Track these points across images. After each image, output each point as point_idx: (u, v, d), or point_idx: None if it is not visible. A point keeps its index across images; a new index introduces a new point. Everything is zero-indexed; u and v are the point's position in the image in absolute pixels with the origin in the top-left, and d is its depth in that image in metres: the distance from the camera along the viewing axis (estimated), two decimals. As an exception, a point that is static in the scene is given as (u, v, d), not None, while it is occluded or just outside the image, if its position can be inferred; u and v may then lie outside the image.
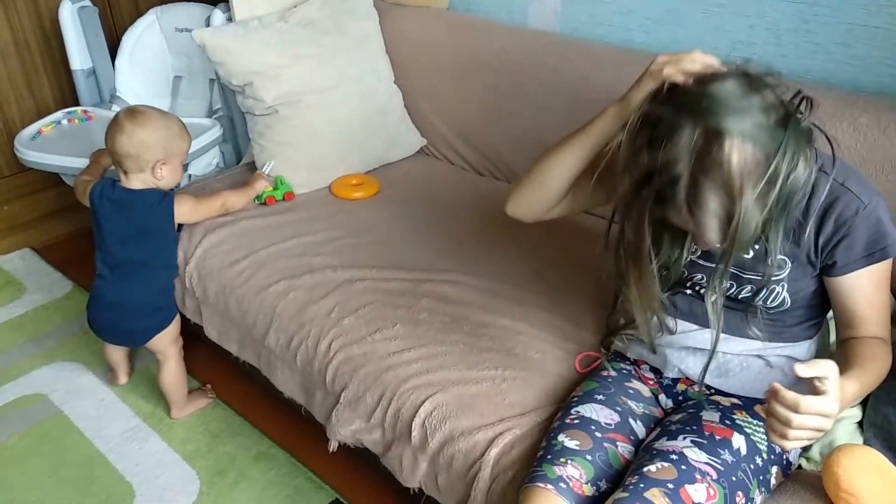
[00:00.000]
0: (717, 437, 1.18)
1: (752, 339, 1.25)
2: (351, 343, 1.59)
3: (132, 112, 1.76)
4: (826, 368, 0.97)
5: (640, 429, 1.28)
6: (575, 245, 1.84)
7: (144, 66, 2.53)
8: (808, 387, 0.98)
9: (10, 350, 2.28)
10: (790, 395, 0.96)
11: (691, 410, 1.27)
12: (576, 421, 1.26)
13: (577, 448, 1.20)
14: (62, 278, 2.62)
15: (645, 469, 1.13)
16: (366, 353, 1.56)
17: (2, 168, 2.71)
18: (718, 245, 1.09)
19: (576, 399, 1.33)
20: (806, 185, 1.10)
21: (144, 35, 2.51)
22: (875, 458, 1.11)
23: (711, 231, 1.03)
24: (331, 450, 1.61)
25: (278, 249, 1.88)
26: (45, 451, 1.94)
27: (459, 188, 2.16)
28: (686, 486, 1.10)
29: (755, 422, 1.22)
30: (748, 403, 1.26)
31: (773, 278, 1.18)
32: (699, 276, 1.24)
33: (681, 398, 1.34)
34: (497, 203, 2.00)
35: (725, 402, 1.27)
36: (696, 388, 1.32)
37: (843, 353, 1.19)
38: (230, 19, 2.27)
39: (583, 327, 1.59)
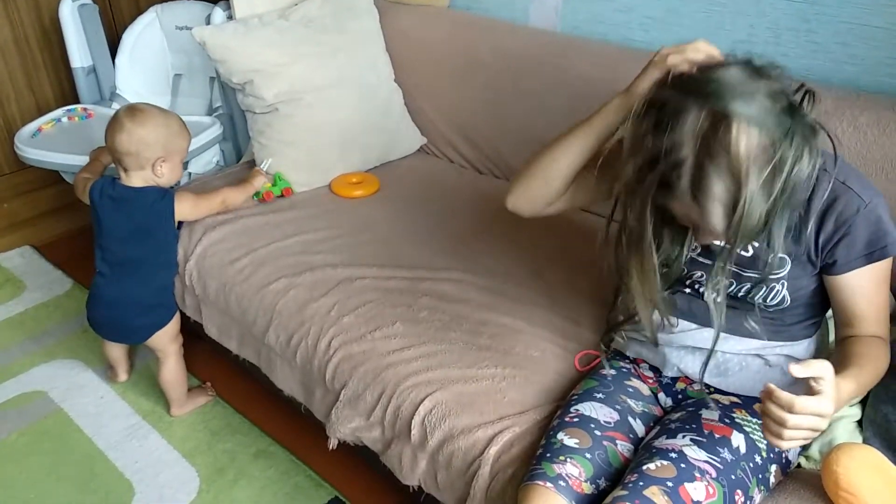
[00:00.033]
0: (717, 436, 1.18)
1: (752, 337, 1.25)
2: (351, 341, 1.59)
3: (132, 110, 1.76)
4: (821, 368, 0.97)
5: (639, 427, 1.28)
6: (575, 244, 1.85)
7: (145, 63, 2.53)
8: (804, 387, 0.99)
9: (10, 347, 2.28)
10: (785, 396, 0.96)
11: (691, 409, 1.27)
12: (575, 419, 1.26)
13: (577, 446, 1.20)
14: (62, 276, 2.62)
15: (644, 467, 1.13)
16: (365, 351, 1.56)
17: (2, 166, 2.71)
18: (720, 240, 1.09)
19: (575, 397, 1.33)
20: (809, 180, 1.09)
21: (145, 33, 2.51)
22: (874, 456, 1.11)
23: (716, 217, 1.02)
24: (330, 448, 1.61)
25: (278, 247, 1.88)
26: (44, 449, 1.94)
27: (459, 186, 2.16)
28: (685, 484, 1.10)
29: (754, 420, 1.22)
30: (747, 402, 1.26)
31: (773, 276, 1.18)
32: (699, 273, 1.24)
33: (680, 397, 1.35)
34: (497, 201, 2.00)
35: (725, 400, 1.27)
36: (695, 386, 1.32)
37: (841, 351, 1.20)
38: (230, 17, 2.27)
39: (582, 326, 1.59)
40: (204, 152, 2.34)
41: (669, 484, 1.09)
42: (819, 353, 1.32)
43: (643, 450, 1.20)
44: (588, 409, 1.28)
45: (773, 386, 0.98)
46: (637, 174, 1.07)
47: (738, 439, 1.18)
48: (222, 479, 1.85)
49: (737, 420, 1.21)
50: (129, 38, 2.50)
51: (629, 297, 1.23)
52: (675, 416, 1.27)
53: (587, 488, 1.16)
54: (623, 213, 1.16)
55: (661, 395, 1.36)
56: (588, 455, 1.19)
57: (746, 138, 0.98)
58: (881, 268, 1.16)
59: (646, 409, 1.32)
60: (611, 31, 2.03)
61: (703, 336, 1.27)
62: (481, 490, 1.33)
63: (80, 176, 1.92)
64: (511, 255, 1.83)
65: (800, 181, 1.05)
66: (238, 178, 2.08)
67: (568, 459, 1.17)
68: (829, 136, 1.11)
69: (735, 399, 1.27)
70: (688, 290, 1.29)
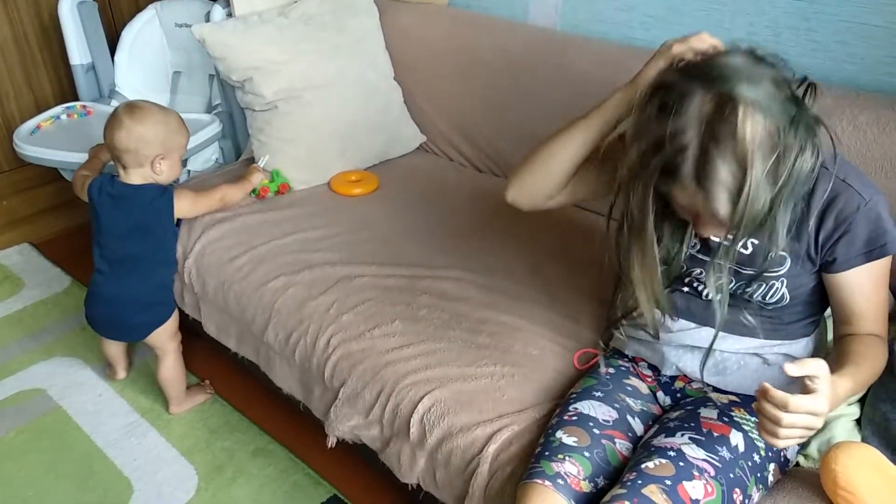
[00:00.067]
0: (715, 434, 1.18)
1: (750, 336, 1.25)
2: (350, 339, 1.59)
3: (131, 107, 1.76)
4: (816, 367, 0.97)
5: (638, 426, 1.28)
6: (574, 242, 1.85)
7: (144, 61, 2.53)
8: (800, 385, 0.99)
9: (9, 345, 2.28)
10: (779, 395, 0.96)
11: (689, 408, 1.27)
12: (574, 417, 1.26)
13: (575, 445, 1.20)
14: (61, 273, 2.62)
15: (643, 466, 1.13)
16: (364, 349, 1.56)
17: (1, 163, 2.71)
18: (721, 233, 1.08)
19: (574, 396, 1.33)
20: (811, 175, 1.08)
21: (144, 30, 2.50)
22: (873, 455, 1.11)
23: (720, 202, 1.01)
24: (329, 446, 1.61)
25: (277, 245, 1.88)
26: (43, 446, 1.94)
27: (459, 185, 2.16)
28: (684, 482, 1.10)
29: (753, 419, 1.22)
30: (746, 401, 1.26)
31: (773, 274, 1.18)
32: (698, 270, 1.24)
33: (679, 395, 1.35)
34: (497, 199, 2.00)
35: (723, 399, 1.27)
36: (694, 385, 1.32)
37: (838, 349, 1.19)
38: (230, 15, 2.26)
39: (581, 324, 1.59)
40: (203, 150, 2.34)
41: (668, 482, 1.09)
42: (817, 351, 1.32)
43: (642, 448, 1.20)
44: (587, 407, 1.28)
45: (767, 385, 0.98)
46: (640, 159, 1.06)
47: (736, 438, 1.18)
48: (221, 477, 1.85)
49: (735, 419, 1.21)
50: (129, 35, 2.50)
51: (630, 290, 1.21)
52: (674, 414, 1.27)
53: (586, 487, 1.16)
54: (625, 203, 1.15)
55: (660, 394, 1.36)
56: (587, 453, 1.19)
57: (752, 123, 0.98)
58: (880, 266, 1.16)
59: (644, 408, 1.32)
60: (611, 30, 2.03)
61: (702, 335, 1.27)
62: (480, 488, 1.33)
63: (78, 173, 1.92)
64: (510, 254, 1.83)
65: (802, 174, 1.05)
66: (236, 176, 2.08)
67: (567, 458, 1.17)
68: (829, 133, 1.10)
69: (734, 398, 1.27)
70: (686, 289, 1.28)
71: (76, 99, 2.53)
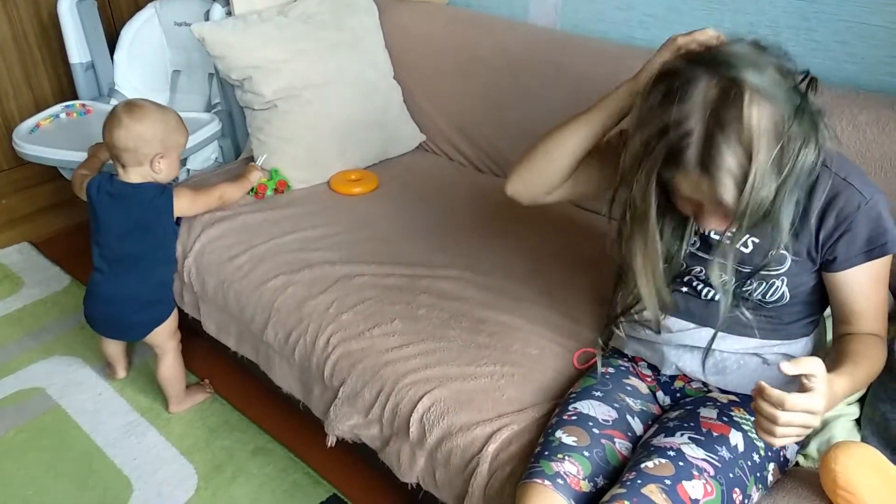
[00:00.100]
0: (715, 434, 1.18)
1: (749, 336, 1.25)
2: (349, 338, 1.59)
3: (129, 106, 1.76)
4: (812, 366, 0.97)
5: (637, 425, 1.28)
6: (574, 242, 1.85)
7: (143, 60, 2.52)
8: (798, 384, 0.99)
9: (8, 344, 2.28)
10: (775, 393, 0.96)
11: (689, 407, 1.27)
12: (573, 417, 1.26)
13: (575, 444, 1.20)
14: (60, 272, 2.62)
15: (642, 465, 1.13)
16: (364, 348, 1.56)
17: (0, 162, 2.71)
18: (723, 224, 1.08)
19: (574, 395, 1.33)
20: (814, 169, 1.08)
21: (143, 29, 2.50)
22: (872, 455, 1.11)
23: (726, 188, 1.00)
24: (329, 445, 1.61)
25: (277, 244, 1.88)
26: (42, 445, 1.94)
27: (458, 184, 2.16)
28: (683, 482, 1.10)
29: (753, 419, 1.21)
30: (746, 400, 1.26)
31: (773, 272, 1.18)
32: (698, 268, 1.24)
33: (678, 395, 1.35)
34: (496, 199, 2.01)
35: (723, 399, 1.27)
36: (694, 384, 1.32)
37: (837, 348, 1.19)
38: (229, 13, 2.26)
39: (581, 324, 1.59)
40: (202, 149, 2.34)
41: (667, 482, 1.09)
42: (817, 351, 1.32)
43: (641, 448, 1.20)
44: (586, 407, 1.28)
45: (764, 383, 0.98)
46: (644, 146, 1.06)
47: (736, 438, 1.18)
48: (220, 477, 1.85)
49: (735, 418, 1.21)
50: (128, 34, 2.50)
51: (631, 283, 1.21)
52: (674, 414, 1.27)
53: (585, 486, 1.16)
54: (627, 192, 1.14)
55: (660, 394, 1.36)
56: (586, 453, 1.19)
57: (758, 109, 0.98)
58: (880, 265, 1.16)
59: (644, 408, 1.32)
60: (611, 29, 2.03)
61: (702, 335, 1.27)
62: (479, 488, 1.33)
63: (77, 172, 1.92)
64: (510, 253, 1.83)
65: (806, 165, 1.04)
66: (235, 175, 2.08)
67: (566, 457, 1.17)
68: (828, 130, 1.10)
69: (733, 397, 1.27)
70: (685, 289, 1.28)
71: (75, 98, 2.52)
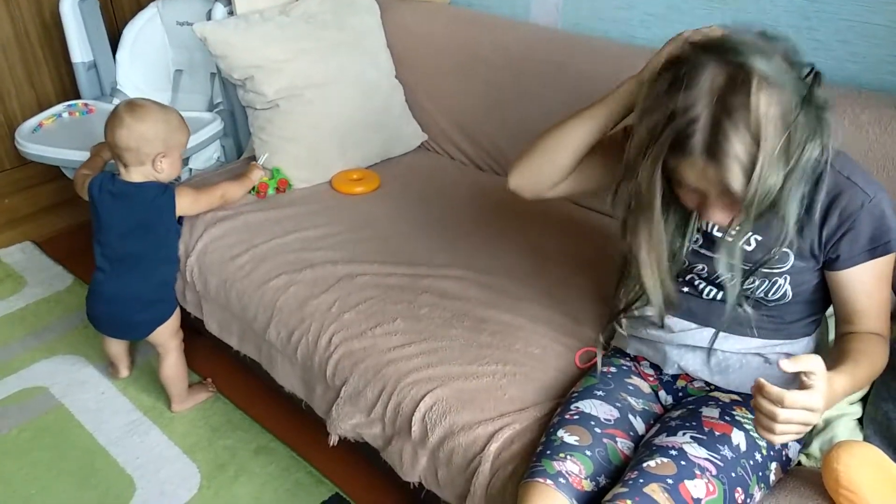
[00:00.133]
0: (717, 433, 1.18)
1: (751, 336, 1.25)
2: (351, 337, 1.59)
3: (131, 105, 1.76)
4: (812, 363, 0.97)
5: (639, 425, 1.28)
6: (576, 241, 1.85)
7: (145, 59, 2.53)
8: (797, 382, 0.99)
9: (11, 343, 2.28)
10: (774, 390, 0.97)
11: (691, 406, 1.27)
12: (575, 416, 1.26)
13: (577, 444, 1.20)
14: (63, 272, 2.62)
15: (644, 464, 1.13)
16: (366, 347, 1.56)
17: (3, 161, 2.71)
18: (728, 217, 1.08)
19: (575, 395, 1.33)
20: (819, 163, 1.08)
21: (145, 28, 2.50)
22: (875, 454, 1.11)
23: (734, 176, 0.99)
24: (331, 444, 1.61)
25: (279, 244, 1.88)
26: (45, 444, 1.94)
27: (460, 183, 2.16)
28: (685, 481, 1.10)
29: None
30: (748, 400, 1.26)
31: (776, 270, 1.18)
32: (700, 266, 1.24)
33: (681, 394, 1.35)
34: (498, 198, 2.01)
35: (725, 398, 1.27)
36: (696, 384, 1.32)
37: (838, 347, 1.19)
38: (231, 13, 2.26)
39: (583, 323, 1.59)
40: (205, 148, 2.34)
41: (670, 481, 1.09)
42: (819, 351, 1.32)
43: (643, 447, 1.20)
44: (588, 406, 1.28)
45: (763, 380, 0.98)
46: (650, 132, 1.05)
47: (738, 437, 1.18)
48: (223, 476, 1.85)
49: (737, 418, 1.21)
50: (130, 33, 2.50)
51: (635, 275, 1.20)
52: (676, 413, 1.27)
53: (587, 485, 1.16)
54: (632, 182, 1.13)
55: (662, 393, 1.36)
56: (588, 452, 1.19)
57: (766, 95, 0.97)
58: (883, 264, 1.16)
59: (646, 407, 1.32)
60: (612, 28, 2.03)
61: (703, 336, 1.27)
62: (481, 487, 1.33)
63: (79, 172, 1.92)
64: (512, 252, 1.83)
65: (812, 157, 1.04)
66: (237, 174, 2.08)
67: (568, 457, 1.18)
68: (833, 125, 1.08)
69: (735, 397, 1.27)
70: (686, 289, 1.28)
71: (78, 97, 2.53)
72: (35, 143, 2.24)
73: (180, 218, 1.90)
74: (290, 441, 1.94)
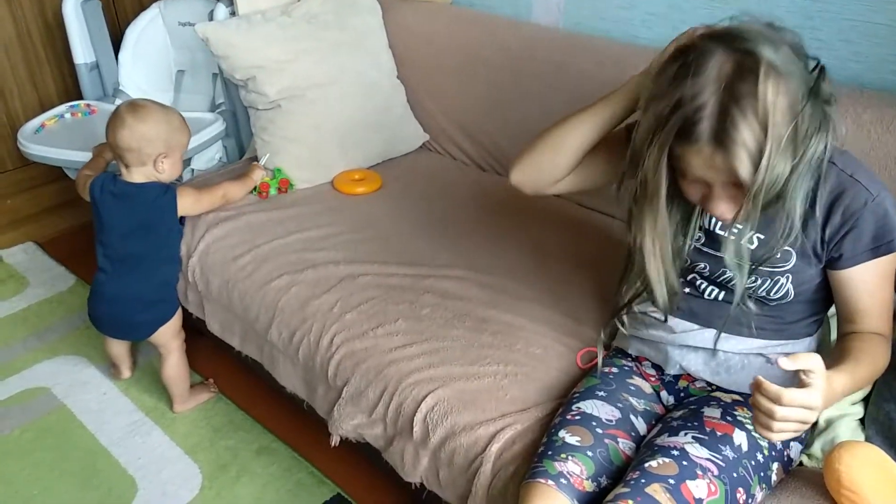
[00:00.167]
0: (719, 433, 1.18)
1: (753, 337, 1.25)
2: (353, 338, 1.59)
3: (133, 106, 1.76)
4: (810, 361, 0.97)
5: (641, 425, 1.28)
6: (577, 241, 1.84)
7: (147, 60, 2.53)
8: (798, 381, 0.99)
9: (13, 344, 2.29)
10: (773, 388, 0.96)
11: (693, 407, 1.26)
12: (577, 417, 1.25)
13: (578, 444, 1.20)
14: (65, 272, 2.62)
15: (646, 465, 1.13)
16: (368, 347, 1.56)
17: (5, 162, 2.72)
18: (733, 210, 1.07)
19: (577, 395, 1.33)
20: (824, 157, 1.07)
21: (147, 29, 2.51)
22: (877, 454, 1.11)
23: (741, 163, 0.99)
24: (333, 444, 1.61)
25: (281, 244, 1.88)
26: (47, 445, 1.94)
27: (462, 183, 2.16)
28: (687, 481, 1.10)
29: (753, 415, 1.21)
30: (749, 400, 1.26)
31: (779, 269, 1.17)
32: (702, 265, 1.24)
33: (682, 395, 1.34)
34: (499, 198, 2.01)
35: (727, 398, 1.27)
36: (698, 384, 1.32)
37: (839, 346, 1.19)
38: (233, 13, 2.27)
39: (585, 323, 1.59)
40: (207, 149, 2.34)
41: (671, 481, 1.09)
42: (820, 351, 1.31)
43: (645, 447, 1.20)
44: (590, 406, 1.27)
45: (761, 378, 0.98)
46: (657, 119, 1.04)
47: (739, 437, 1.18)
48: (225, 476, 1.85)
49: (739, 418, 1.21)
50: (132, 34, 2.51)
51: (640, 267, 1.19)
52: (677, 413, 1.26)
53: (588, 486, 1.16)
54: (637, 171, 1.12)
55: (664, 393, 1.36)
56: (589, 453, 1.19)
57: (773, 84, 0.97)
58: (886, 263, 1.16)
59: (648, 407, 1.32)
60: (613, 28, 2.03)
61: (705, 336, 1.27)
62: (483, 487, 1.33)
63: (81, 173, 1.92)
64: (513, 252, 1.82)
65: (818, 150, 1.04)
66: (239, 174, 2.08)
67: (569, 457, 1.17)
68: (835, 122, 1.08)
69: (737, 397, 1.27)
70: (688, 290, 1.28)
71: (80, 98, 2.53)
72: (37, 144, 2.24)
73: (182, 218, 1.90)
74: (292, 441, 1.94)
